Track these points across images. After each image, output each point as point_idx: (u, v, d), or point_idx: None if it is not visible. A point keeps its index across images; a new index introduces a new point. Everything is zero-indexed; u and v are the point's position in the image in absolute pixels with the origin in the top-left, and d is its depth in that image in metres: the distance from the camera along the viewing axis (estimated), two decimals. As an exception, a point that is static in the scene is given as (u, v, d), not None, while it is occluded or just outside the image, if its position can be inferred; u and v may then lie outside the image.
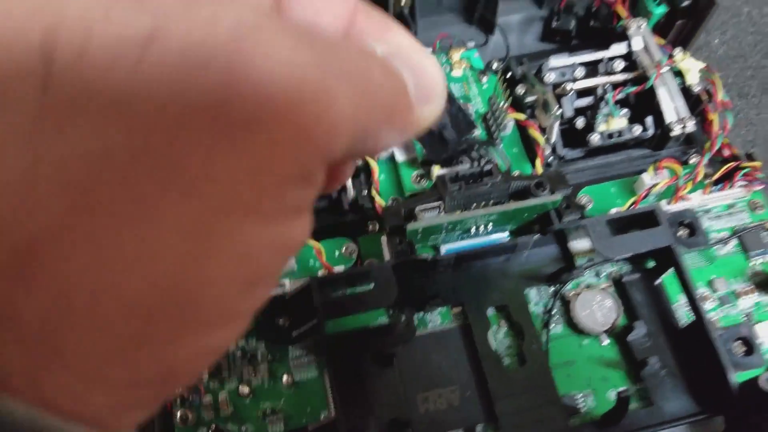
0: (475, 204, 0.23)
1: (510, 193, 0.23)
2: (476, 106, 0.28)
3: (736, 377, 0.21)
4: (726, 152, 0.27)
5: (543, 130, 0.27)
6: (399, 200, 0.25)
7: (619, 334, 0.23)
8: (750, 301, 0.24)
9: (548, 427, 0.21)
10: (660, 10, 0.29)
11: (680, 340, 0.23)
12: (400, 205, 0.23)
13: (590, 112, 0.27)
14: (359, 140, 0.11)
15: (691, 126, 0.26)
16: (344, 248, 0.25)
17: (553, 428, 0.21)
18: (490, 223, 0.24)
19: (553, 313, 0.24)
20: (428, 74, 0.12)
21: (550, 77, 0.27)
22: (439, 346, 0.23)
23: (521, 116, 0.27)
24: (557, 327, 0.24)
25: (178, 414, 0.22)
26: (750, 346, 0.22)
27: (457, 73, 0.28)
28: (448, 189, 0.23)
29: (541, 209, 0.23)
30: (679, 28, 0.29)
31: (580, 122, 0.27)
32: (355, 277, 0.22)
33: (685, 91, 0.27)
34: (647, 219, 0.23)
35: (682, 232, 0.24)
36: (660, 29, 0.29)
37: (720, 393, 0.21)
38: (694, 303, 0.22)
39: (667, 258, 0.23)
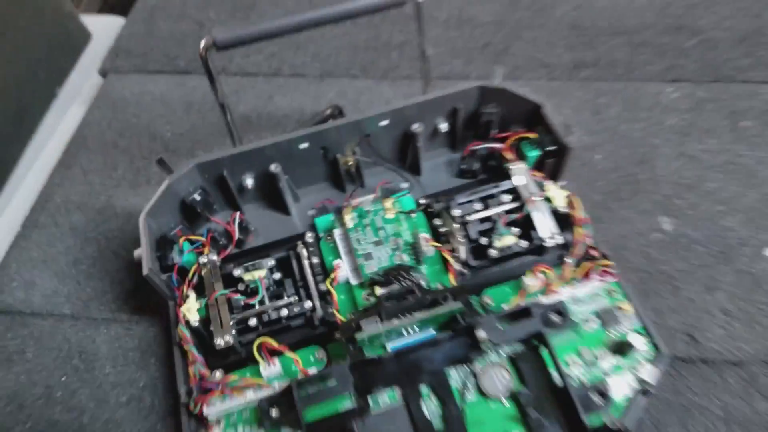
0: (403, 314, 0.33)
1: (428, 303, 0.34)
2: (406, 238, 0.38)
3: (589, 419, 0.30)
4: (594, 252, 0.37)
5: (454, 251, 0.37)
6: (352, 316, 0.35)
7: (515, 397, 0.33)
8: (608, 363, 0.34)
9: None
10: (534, 153, 0.39)
11: (558, 396, 0.32)
12: (350, 320, 0.33)
13: (489, 233, 0.38)
14: None
15: (559, 239, 0.36)
16: (317, 354, 0.35)
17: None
18: (416, 326, 0.34)
19: (467, 385, 0.33)
20: None
21: (457, 212, 0.38)
22: (389, 419, 0.33)
23: (437, 244, 0.37)
24: (471, 396, 0.33)
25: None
26: (604, 395, 0.31)
27: (390, 215, 0.38)
28: (383, 306, 0.33)
29: (450, 313, 0.33)
30: (550, 166, 0.40)
31: (483, 241, 0.38)
32: (323, 376, 0.32)
33: (555, 212, 0.37)
34: (525, 313, 0.33)
35: (555, 318, 0.34)
36: (538, 166, 0.40)
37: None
38: (559, 369, 0.32)
39: (540, 339, 0.33)
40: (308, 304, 0.35)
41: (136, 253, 0.36)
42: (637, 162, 0.46)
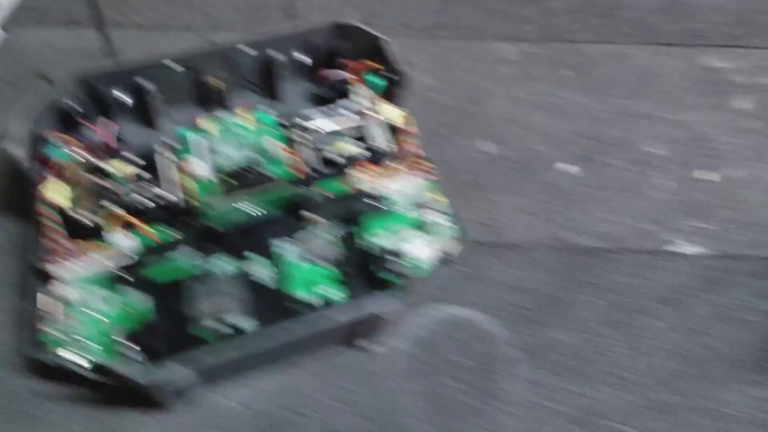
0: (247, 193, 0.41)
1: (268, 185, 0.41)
2: (261, 145, 0.45)
3: (387, 275, 0.38)
4: (419, 159, 0.45)
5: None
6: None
7: (336, 262, 0.40)
8: (419, 240, 0.41)
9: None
10: (378, 82, 0.47)
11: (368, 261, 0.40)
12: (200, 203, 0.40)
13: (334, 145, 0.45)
14: None
15: (393, 147, 0.44)
16: (171, 233, 0.42)
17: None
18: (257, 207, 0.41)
19: (296, 254, 0.41)
20: None
21: (306, 124, 0.45)
22: (227, 282, 0.39)
23: (289, 149, 0.44)
24: (299, 262, 0.40)
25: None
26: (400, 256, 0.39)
27: (249, 126, 0.46)
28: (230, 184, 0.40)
29: (285, 196, 0.41)
30: (395, 95, 0.47)
31: (328, 150, 0.45)
32: (171, 244, 0.39)
33: (391, 127, 0.45)
34: (346, 197, 0.41)
35: (374, 203, 0.42)
36: (385, 95, 0.48)
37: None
38: (366, 240, 0.39)
39: (357, 218, 0.41)
40: (171, 197, 0.42)
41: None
42: (473, 102, 0.54)
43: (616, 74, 0.57)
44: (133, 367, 0.33)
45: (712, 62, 0.58)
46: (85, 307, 0.38)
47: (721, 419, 0.37)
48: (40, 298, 0.38)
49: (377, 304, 0.36)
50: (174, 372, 0.33)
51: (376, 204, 0.42)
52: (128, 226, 0.41)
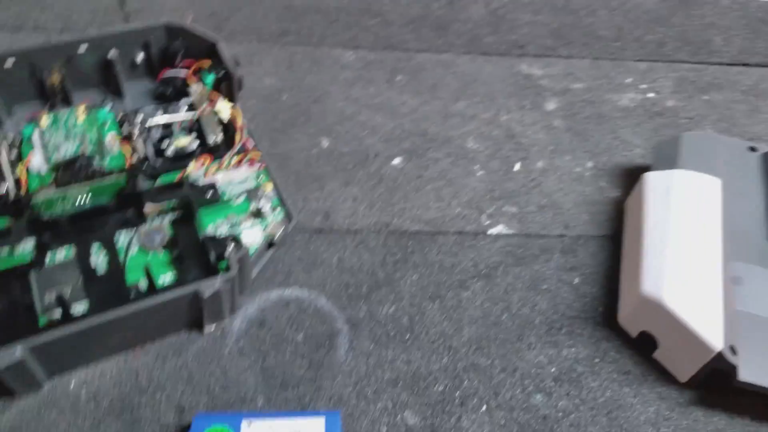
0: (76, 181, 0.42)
1: (98, 174, 0.42)
2: (94, 136, 0.46)
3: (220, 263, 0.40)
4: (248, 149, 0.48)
5: (137, 152, 0.46)
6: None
7: (170, 249, 0.42)
8: (248, 225, 0.44)
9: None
10: (210, 78, 0.50)
11: (201, 248, 0.42)
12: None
13: (169, 138, 0.47)
14: None
15: (222, 139, 0.47)
16: (7, 223, 0.42)
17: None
18: (89, 197, 0.42)
19: (132, 242, 0.42)
20: None
21: (140, 117, 0.47)
22: (62, 270, 0.40)
23: (120, 139, 0.46)
24: (134, 250, 0.42)
25: None
26: (237, 242, 0.42)
27: (81, 119, 0.47)
28: (59, 173, 0.41)
29: (116, 185, 0.42)
30: (227, 91, 0.50)
31: (163, 144, 0.47)
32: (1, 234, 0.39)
33: (221, 121, 0.48)
34: (179, 185, 0.43)
35: (208, 194, 0.44)
36: (217, 90, 0.51)
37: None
38: (199, 226, 0.42)
39: (190, 207, 0.43)
40: (3, 186, 0.42)
41: None
42: (313, 101, 0.58)
43: (443, 79, 0.63)
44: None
45: (528, 69, 0.66)
46: None
47: (527, 377, 0.43)
48: None
49: (208, 285, 0.39)
50: (7, 354, 0.34)
51: (208, 193, 0.44)
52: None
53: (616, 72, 0.66)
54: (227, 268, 0.40)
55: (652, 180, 0.49)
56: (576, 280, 0.48)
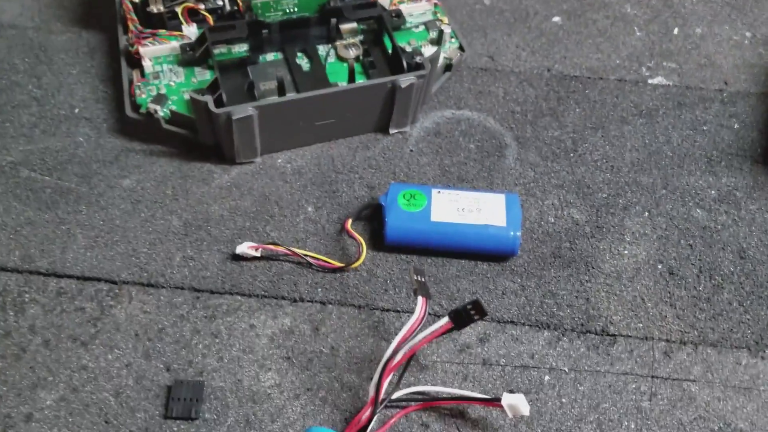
0: None
1: None
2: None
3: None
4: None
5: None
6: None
7: (361, 62, 0.47)
8: (429, 48, 0.49)
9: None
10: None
11: (389, 59, 0.47)
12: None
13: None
14: None
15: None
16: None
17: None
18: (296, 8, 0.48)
19: (329, 53, 0.48)
20: None
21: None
22: (272, 66, 0.46)
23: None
24: (331, 59, 0.48)
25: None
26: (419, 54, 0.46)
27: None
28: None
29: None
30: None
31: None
32: (230, 26, 0.45)
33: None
34: (372, 5, 0.48)
35: (397, 18, 0.49)
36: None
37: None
38: (391, 38, 0.46)
39: (381, 22, 0.48)
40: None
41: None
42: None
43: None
44: (206, 101, 0.40)
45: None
46: (162, 77, 0.45)
47: (687, 195, 0.45)
48: (131, 73, 0.46)
49: (404, 78, 0.43)
50: (242, 108, 0.40)
51: (395, 17, 0.49)
52: (194, 14, 0.47)
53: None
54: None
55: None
56: (736, 125, 0.49)
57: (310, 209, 0.43)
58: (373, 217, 0.42)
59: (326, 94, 0.43)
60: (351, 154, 0.46)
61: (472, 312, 0.31)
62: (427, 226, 0.39)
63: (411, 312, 0.35)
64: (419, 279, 0.34)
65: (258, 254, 0.39)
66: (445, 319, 0.32)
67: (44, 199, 0.42)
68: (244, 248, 0.39)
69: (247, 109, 0.41)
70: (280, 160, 0.45)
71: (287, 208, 0.43)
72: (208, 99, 0.40)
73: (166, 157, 0.44)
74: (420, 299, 0.33)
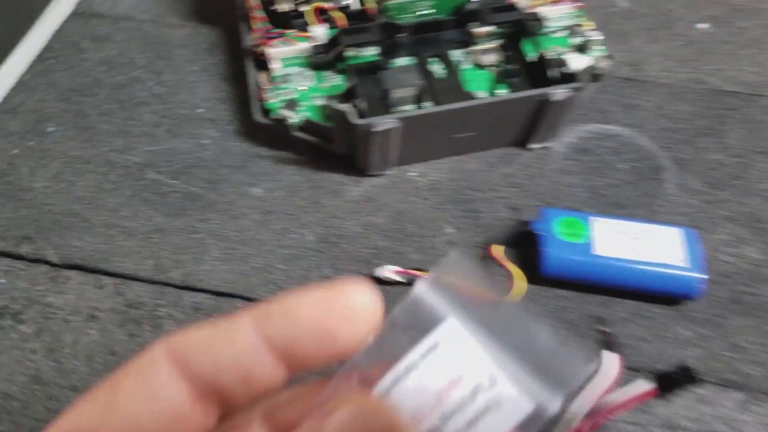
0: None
1: None
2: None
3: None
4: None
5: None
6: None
7: (500, 69, 0.44)
8: (572, 55, 0.45)
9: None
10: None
11: (529, 68, 0.43)
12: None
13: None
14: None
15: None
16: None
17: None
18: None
19: (464, 58, 0.44)
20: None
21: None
22: (404, 71, 0.43)
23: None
24: (467, 65, 0.44)
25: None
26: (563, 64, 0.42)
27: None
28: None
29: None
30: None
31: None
32: (363, 29, 0.42)
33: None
34: (510, 7, 0.44)
35: (535, 23, 0.45)
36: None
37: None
38: (536, 45, 0.42)
39: (521, 26, 0.44)
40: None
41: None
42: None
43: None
44: (346, 111, 0.37)
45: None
46: (291, 81, 0.42)
47: None
48: (258, 75, 0.43)
49: (556, 91, 0.39)
50: (380, 119, 0.37)
51: (533, 21, 0.45)
52: (322, 13, 0.44)
53: None
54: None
55: None
56: None
57: (449, 230, 0.39)
58: (519, 243, 0.38)
59: (471, 107, 0.39)
60: (489, 169, 0.42)
61: (681, 377, 0.27)
62: (590, 260, 0.35)
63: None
64: (605, 330, 0.30)
65: (402, 280, 0.36)
66: (642, 383, 0.28)
67: (173, 204, 0.40)
68: (387, 272, 0.36)
69: (389, 121, 0.37)
70: (411, 174, 0.42)
71: (424, 227, 0.39)
72: (350, 109, 0.37)
73: (294, 165, 0.42)
74: (611, 356, 0.29)
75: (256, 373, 0.15)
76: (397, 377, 0.15)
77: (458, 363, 0.15)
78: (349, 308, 0.15)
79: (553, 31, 0.46)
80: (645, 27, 0.52)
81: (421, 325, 0.16)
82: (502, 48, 0.45)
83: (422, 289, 0.16)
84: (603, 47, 0.45)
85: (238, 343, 0.15)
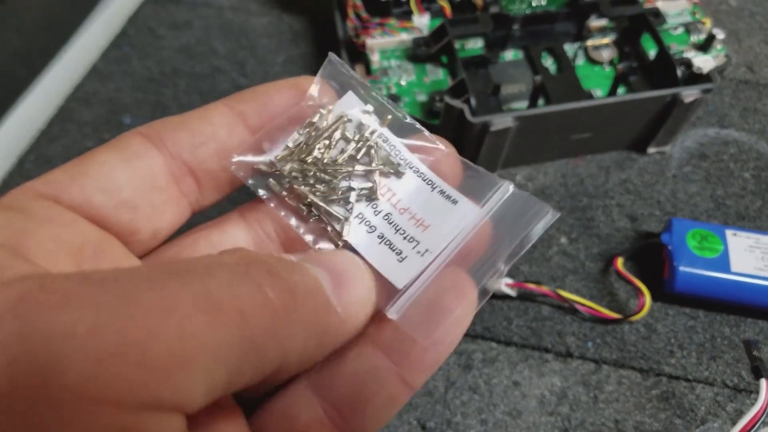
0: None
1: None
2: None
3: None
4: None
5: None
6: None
7: (615, 65, 0.40)
8: (692, 53, 0.41)
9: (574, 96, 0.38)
10: None
11: (648, 66, 0.40)
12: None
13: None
14: (249, 362, 0.12)
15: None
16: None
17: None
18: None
19: (578, 53, 0.41)
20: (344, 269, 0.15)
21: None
22: (513, 66, 0.40)
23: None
24: (580, 61, 0.41)
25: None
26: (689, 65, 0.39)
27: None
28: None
29: (569, -6, 0.41)
30: None
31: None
32: (471, 19, 0.39)
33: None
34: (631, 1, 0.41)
35: (655, 19, 0.42)
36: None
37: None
38: (659, 42, 0.39)
39: (643, 20, 0.40)
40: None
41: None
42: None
43: None
44: (463, 108, 0.34)
45: None
46: (391, 74, 0.40)
47: None
48: (355, 68, 0.40)
49: (688, 91, 0.36)
50: (496, 118, 0.34)
51: (655, 16, 0.41)
52: (423, 1, 0.41)
53: None
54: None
55: None
56: None
57: (563, 240, 0.36)
58: (644, 256, 0.35)
59: (595, 106, 0.36)
60: (602, 174, 0.39)
61: None
62: (728, 277, 0.32)
63: (707, 383, 0.30)
64: (756, 354, 0.27)
65: (513, 293, 0.33)
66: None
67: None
68: (499, 284, 0.33)
69: (506, 120, 0.34)
70: (519, 177, 0.39)
71: (536, 236, 0.36)
72: (464, 107, 0.34)
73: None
74: (765, 383, 0.26)
75: (232, 148, 0.16)
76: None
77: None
78: (312, 98, 0.18)
79: (674, 28, 0.42)
80: (757, 26, 0.48)
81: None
82: (615, 44, 0.41)
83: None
84: (722, 47, 0.42)
85: (213, 119, 0.16)
